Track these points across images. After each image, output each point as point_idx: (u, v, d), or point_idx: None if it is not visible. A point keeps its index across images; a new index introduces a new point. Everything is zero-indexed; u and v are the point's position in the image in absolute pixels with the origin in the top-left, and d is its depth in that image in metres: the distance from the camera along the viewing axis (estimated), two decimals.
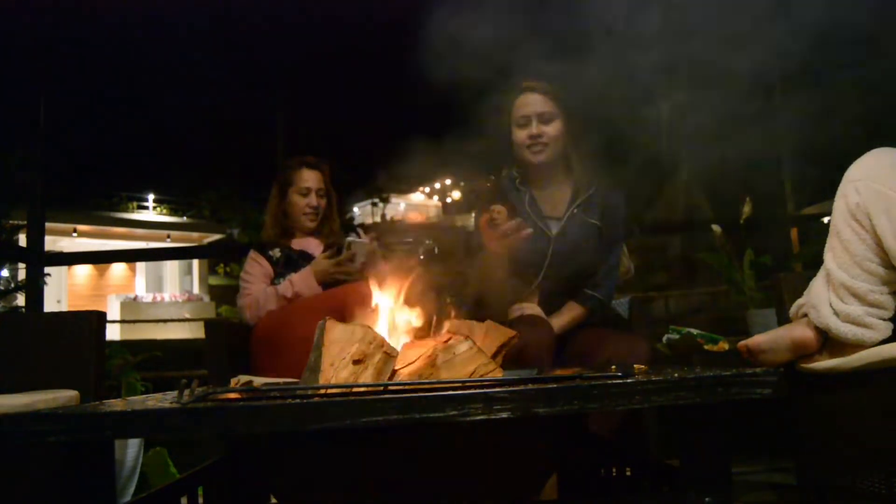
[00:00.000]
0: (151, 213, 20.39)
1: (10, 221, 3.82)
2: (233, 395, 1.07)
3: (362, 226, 3.05)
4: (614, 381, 0.97)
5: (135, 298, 17.42)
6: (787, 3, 2.77)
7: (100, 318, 2.01)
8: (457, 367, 1.09)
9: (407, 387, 1.04)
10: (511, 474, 1.30)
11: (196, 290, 19.38)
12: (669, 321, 3.91)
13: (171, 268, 20.31)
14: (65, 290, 17.75)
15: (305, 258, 2.39)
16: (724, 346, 2.30)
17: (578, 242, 2.05)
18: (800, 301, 1.47)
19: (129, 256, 9.90)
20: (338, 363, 1.10)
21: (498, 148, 2.18)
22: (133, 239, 19.04)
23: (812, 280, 1.42)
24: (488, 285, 1.97)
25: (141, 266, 20.18)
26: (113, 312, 15.27)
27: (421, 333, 1.38)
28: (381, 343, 1.14)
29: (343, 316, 1.36)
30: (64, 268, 15.02)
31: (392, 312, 1.39)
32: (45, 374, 1.90)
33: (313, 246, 2.46)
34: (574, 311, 2.07)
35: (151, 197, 20.39)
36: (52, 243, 15.09)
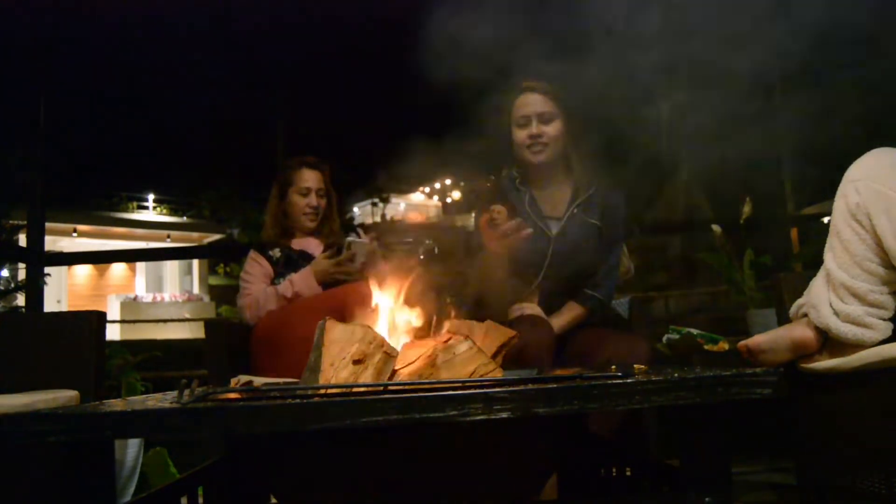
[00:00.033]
0: (151, 213, 20.40)
1: (10, 221, 3.82)
2: (233, 395, 1.07)
3: (362, 226, 3.05)
4: (614, 381, 0.97)
5: (135, 298, 17.43)
6: (786, 3, 2.77)
7: (100, 318, 2.01)
8: (457, 367, 1.09)
9: (407, 387, 1.04)
10: (511, 474, 1.30)
11: (196, 290, 19.39)
12: (669, 321, 3.91)
13: (171, 268, 20.32)
14: (65, 290, 17.76)
15: (305, 258, 2.39)
16: (724, 346, 2.30)
17: (578, 242, 2.05)
18: (800, 301, 1.47)
19: (129, 256, 9.90)
20: (338, 363, 1.10)
21: (498, 148, 2.19)
22: (133, 239, 19.05)
23: (812, 280, 1.42)
24: (488, 285, 1.97)
25: (141, 266, 20.19)
26: (113, 312, 15.28)
27: (421, 333, 1.38)
28: (381, 343, 1.14)
29: (343, 316, 1.36)
30: (64, 268, 15.03)
31: (392, 312, 1.39)
32: (45, 374, 1.90)
33: (313, 246, 2.46)
34: (574, 311, 2.07)
35: (151, 197, 20.40)
36: (52, 243, 15.09)
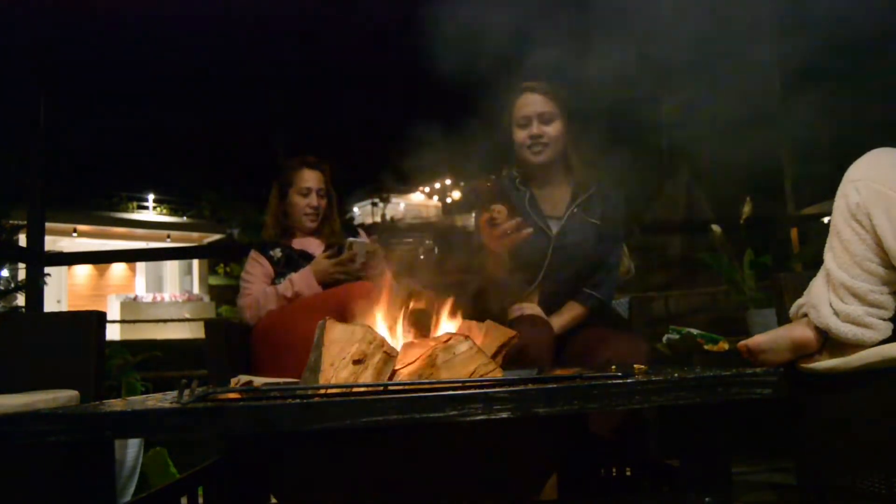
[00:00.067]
0: (151, 213, 20.39)
1: (10, 221, 3.82)
2: (233, 395, 1.07)
3: (362, 226, 3.05)
4: (614, 381, 0.97)
5: (135, 298, 17.43)
6: (789, 3, 2.77)
7: (100, 318, 2.01)
8: (457, 367, 1.09)
9: (407, 387, 1.04)
10: (511, 474, 1.30)
11: (196, 290, 19.38)
12: (669, 321, 3.91)
13: (171, 268, 20.32)
14: (65, 290, 17.75)
15: (306, 258, 2.39)
16: (724, 346, 2.30)
17: (579, 242, 2.05)
18: (800, 301, 1.47)
19: (129, 256, 9.89)
20: (338, 363, 1.10)
21: (498, 148, 2.19)
22: (133, 239, 19.05)
23: (812, 280, 1.42)
24: (488, 285, 1.97)
25: (141, 266, 20.19)
26: (113, 312, 15.27)
27: (421, 333, 1.38)
28: (381, 343, 1.14)
29: (343, 316, 1.36)
30: (64, 268, 15.03)
31: (392, 312, 1.39)
32: (45, 374, 1.89)
33: (314, 246, 2.46)
34: (574, 310, 2.07)
35: (151, 197, 20.39)
36: (52, 243, 15.09)
